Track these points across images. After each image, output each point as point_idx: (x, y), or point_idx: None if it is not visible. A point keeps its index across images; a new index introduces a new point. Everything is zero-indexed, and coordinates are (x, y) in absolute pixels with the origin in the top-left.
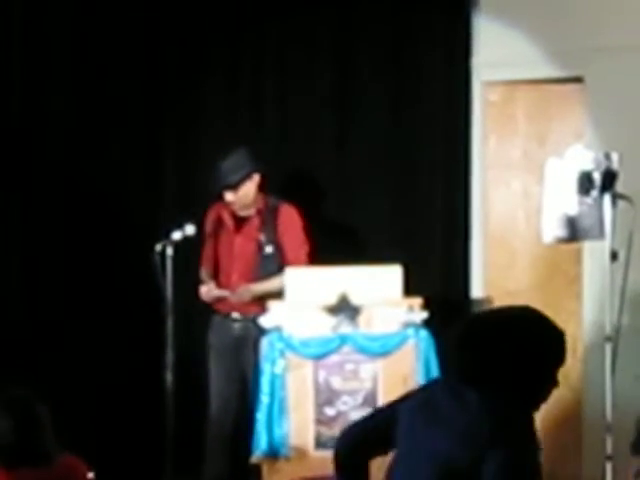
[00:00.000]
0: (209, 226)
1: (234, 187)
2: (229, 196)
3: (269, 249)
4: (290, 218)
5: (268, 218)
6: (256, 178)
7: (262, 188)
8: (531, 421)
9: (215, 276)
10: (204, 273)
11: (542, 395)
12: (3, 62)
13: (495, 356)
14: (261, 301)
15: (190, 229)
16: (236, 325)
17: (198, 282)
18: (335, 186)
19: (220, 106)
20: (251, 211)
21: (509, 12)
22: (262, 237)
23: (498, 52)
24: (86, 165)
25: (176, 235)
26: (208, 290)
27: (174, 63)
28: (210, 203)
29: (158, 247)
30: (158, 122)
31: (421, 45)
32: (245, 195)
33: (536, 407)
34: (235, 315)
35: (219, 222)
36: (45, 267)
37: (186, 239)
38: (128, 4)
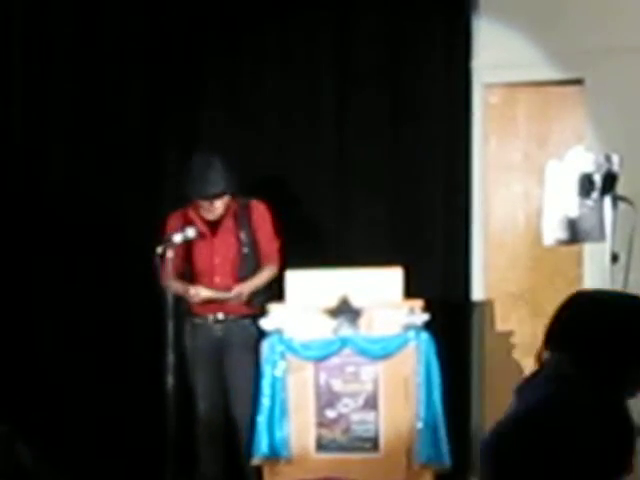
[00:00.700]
0: (172, 233)
1: (223, 195)
2: (216, 203)
3: (246, 248)
4: (262, 214)
5: (241, 217)
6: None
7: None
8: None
9: (192, 281)
10: (175, 282)
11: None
12: (3, 70)
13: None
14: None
15: (191, 232)
16: (218, 327)
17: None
18: (336, 188)
19: (220, 109)
20: (220, 213)
21: (509, 14)
22: (242, 236)
23: (498, 54)
24: (86, 168)
25: (177, 238)
26: (196, 292)
27: (174, 67)
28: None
29: (159, 249)
30: (159, 124)
31: (421, 48)
32: (222, 204)
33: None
34: (219, 316)
35: (188, 227)
36: (45, 270)
37: (187, 241)
38: (129, 8)
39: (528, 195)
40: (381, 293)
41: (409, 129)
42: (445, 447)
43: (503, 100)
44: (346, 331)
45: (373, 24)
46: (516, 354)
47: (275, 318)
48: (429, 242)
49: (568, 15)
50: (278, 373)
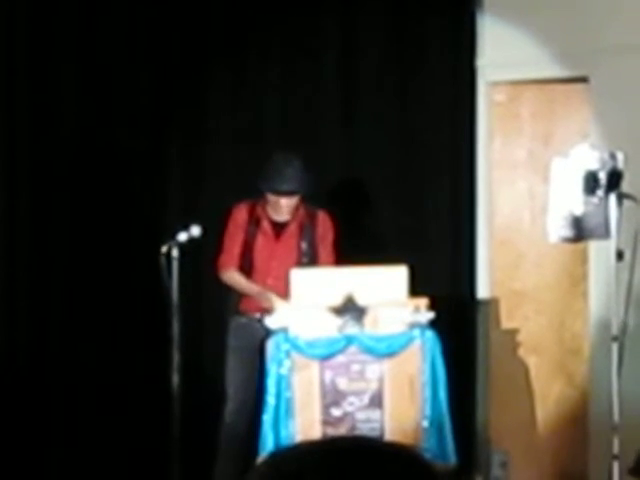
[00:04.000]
0: (239, 224)
1: (294, 195)
2: (284, 201)
3: (306, 258)
4: (328, 227)
5: (307, 225)
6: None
7: (303, 197)
8: None
9: (247, 276)
10: (237, 276)
11: None
12: (7, 69)
13: None
14: None
15: (196, 230)
16: (262, 327)
17: (204, 283)
18: (340, 189)
19: (225, 107)
20: (288, 216)
21: (514, 13)
22: (304, 245)
23: (503, 53)
24: (91, 167)
25: (182, 236)
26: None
27: (179, 65)
28: (236, 202)
29: (164, 248)
30: (163, 123)
31: (426, 47)
32: (297, 201)
33: None
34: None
35: (254, 225)
36: (51, 269)
37: (192, 240)
38: (133, 7)
39: (533, 193)
40: (386, 291)
41: (414, 127)
42: (451, 445)
43: (508, 98)
44: (351, 329)
45: (378, 23)
46: (521, 352)
47: (280, 316)
48: (434, 240)
49: (573, 13)
50: (283, 371)
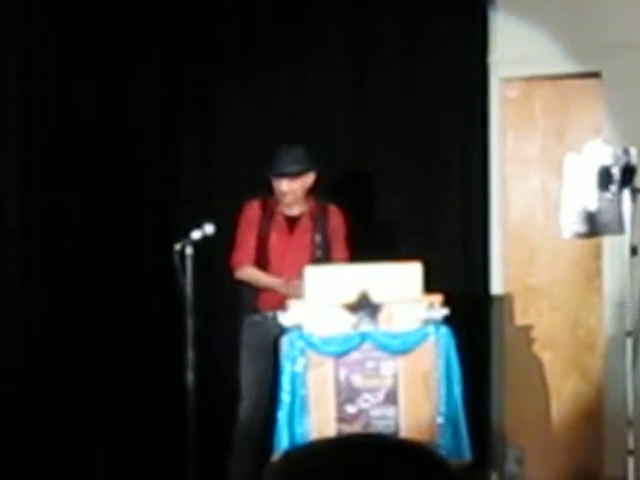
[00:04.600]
0: (252, 220)
1: (293, 177)
2: (285, 185)
3: (319, 251)
4: (340, 220)
5: (319, 219)
6: (312, 176)
7: (313, 190)
8: None
9: (263, 271)
10: (252, 271)
11: None
12: (20, 69)
13: None
14: None
15: (209, 228)
16: (277, 324)
17: (218, 281)
18: (353, 185)
19: (237, 105)
20: (300, 210)
21: (526, 8)
22: (318, 238)
23: (516, 49)
24: (104, 165)
25: (195, 234)
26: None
27: (191, 63)
28: (246, 199)
29: (177, 247)
30: (176, 122)
31: (438, 43)
32: (300, 188)
33: None
34: (279, 314)
35: (267, 220)
36: (64, 268)
37: (205, 238)
38: (146, 7)
39: (546, 189)
40: (400, 288)
41: (427, 124)
42: (466, 442)
43: (521, 94)
44: (366, 326)
45: (390, 19)
46: (536, 348)
47: (294, 314)
48: (448, 236)
49: (585, 9)
50: (298, 369)
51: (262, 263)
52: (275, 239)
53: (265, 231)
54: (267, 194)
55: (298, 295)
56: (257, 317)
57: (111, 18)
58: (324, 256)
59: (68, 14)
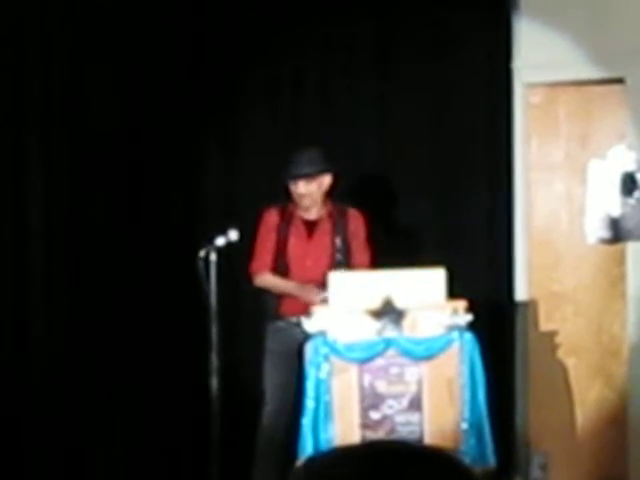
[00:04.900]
0: (271, 227)
1: (309, 178)
2: (302, 187)
3: (340, 255)
4: (359, 223)
5: (338, 222)
6: (328, 178)
7: (331, 193)
8: None
9: (283, 277)
10: (270, 278)
11: None
12: (44, 73)
13: None
14: None
15: (233, 234)
16: (300, 330)
17: (242, 287)
18: (378, 190)
19: (262, 111)
20: (318, 214)
21: (550, 14)
22: (338, 241)
23: (539, 54)
24: (128, 172)
25: (219, 241)
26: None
27: (216, 70)
28: (266, 206)
29: (202, 253)
30: (200, 128)
31: (462, 48)
32: (317, 190)
33: None
34: (303, 319)
35: (286, 225)
36: (89, 274)
37: (230, 245)
38: (167, 8)
39: (570, 194)
40: (424, 294)
41: (451, 130)
42: (490, 447)
43: (545, 100)
44: (390, 332)
45: (414, 25)
46: (560, 353)
47: (319, 320)
48: (472, 242)
49: (609, 14)
50: (322, 375)
51: (282, 268)
52: (294, 243)
53: (284, 236)
54: (286, 201)
55: (315, 299)
56: (281, 323)
57: (134, 26)
58: (344, 259)
59: (88, 22)
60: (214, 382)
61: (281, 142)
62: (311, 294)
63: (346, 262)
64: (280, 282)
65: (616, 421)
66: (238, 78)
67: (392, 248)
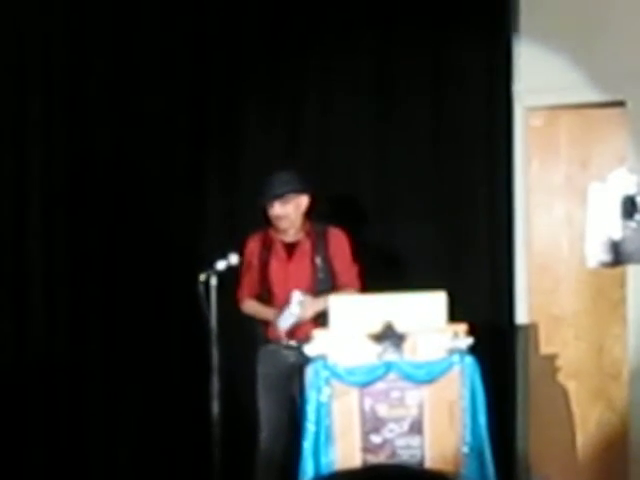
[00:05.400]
0: (253, 253)
1: (284, 199)
2: (278, 208)
3: (322, 273)
4: (340, 241)
5: (318, 242)
6: (305, 199)
7: (309, 214)
8: None
9: (268, 303)
10: (253, 304)
11: None
12: (45, 92)
13: None
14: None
15: (234, 259)
16: (292, 353)
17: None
18: (377, 213)
19: (262, 134)
20: (297, 235)
21: (550, 38)
22: (318, 261)
23: (540, 78)
24: (129, 196)
25: (220, 265)
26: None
27: (217, 91)
28: (250, 234)
29: (202, 277)
30: (201, 151)
31: (462, 72)
32: (294, 211)
33: None
34: (292, 343)
35: (266, 250)
36: (89, 298)
37: (230, 269)
38: (171, 26)
39: (571, 217)
40: (425, 317)
41: (451, 152)
42: (491, 471)
43: (545, 123)
44: (390, 356)
45: (414, 48)
46: (561, 377)
47: (319, 344)
48: (473, 266)
49: (609, 37)
50: (323, 399)
51: (265, 293)
52: (275, 267)
53: (265, 261)
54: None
55: (286, 326)
56: (271, 347)
57: (136, 41)
58: (327, 278)
59: (89, 40)
60: (215, 406)
61: (281, 165)
62: (283, 319)
63: (331, 282)
64: (261, 309)
65: (617, 444)
66: (239, 103)
67: (392, 272)
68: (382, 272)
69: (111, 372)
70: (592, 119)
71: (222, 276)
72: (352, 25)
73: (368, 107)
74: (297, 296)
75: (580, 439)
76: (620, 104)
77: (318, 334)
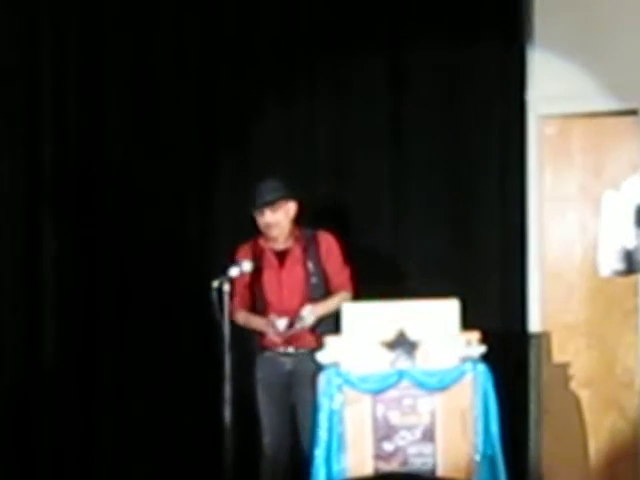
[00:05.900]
0: None
1: (274, 205)
2: (268, 216)
3: (315, 278)
4: (330, 244)
5: (309, 248)
6: (294, 206)
7: (297, 221)
8: None
9: (263, 312)
10: (243, 315)
11: None
12: (57, 104)
13: None
14: (315, 333)
15: (247, 265)
16: (289, 360)
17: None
18: (390, 220)
19: (275, 143)
20: (287, 243)
21: (564, 46)
22: (310, 266)
23: (553, 86)
24: (143, 203)
25: (233, 271)
26: (270, 324)
27: (229, 95)
28: (239, 244)
29: (215, 283)
30: (214, 156)
31: (476, 80)
32: (284, 218)
33: None
34: (289, 350)
35: (257, 260)
36: (101, 304)
37: (243, 275)
38: (183, 37)
39: (584, 226)
40: (438, 325)
41: (464, 161)
42: (503, 479)
43: (559, 131)
44: (403, 364)
45: (427, 56)
46: (573, 385)
47: (332, 351)
48: (485, 273)
49: (623, 46)
50: (335, 406)
51: (261, 303)
52: (268, 276)
53: (257, 270)
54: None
55: (284, 334)
56: (268, 354)
57: (148, 48)
58: (321, 282)
59: (103, 39)
60: (227, 412)
61: (293, 173)
62: (268, 328)
63: (324, 285)
64: (252, 319)
65: (629, 453)
66: (252, 104)
67: (405, 280)
68: (395, 280)
69: (123, 378)
70: (606, 127)
71: (235, 283)
72: (364, 28)
73: (380, 113)
74: (309, 309)
75: (592, 447)
76: (633, 112)
77: (331, 341)
